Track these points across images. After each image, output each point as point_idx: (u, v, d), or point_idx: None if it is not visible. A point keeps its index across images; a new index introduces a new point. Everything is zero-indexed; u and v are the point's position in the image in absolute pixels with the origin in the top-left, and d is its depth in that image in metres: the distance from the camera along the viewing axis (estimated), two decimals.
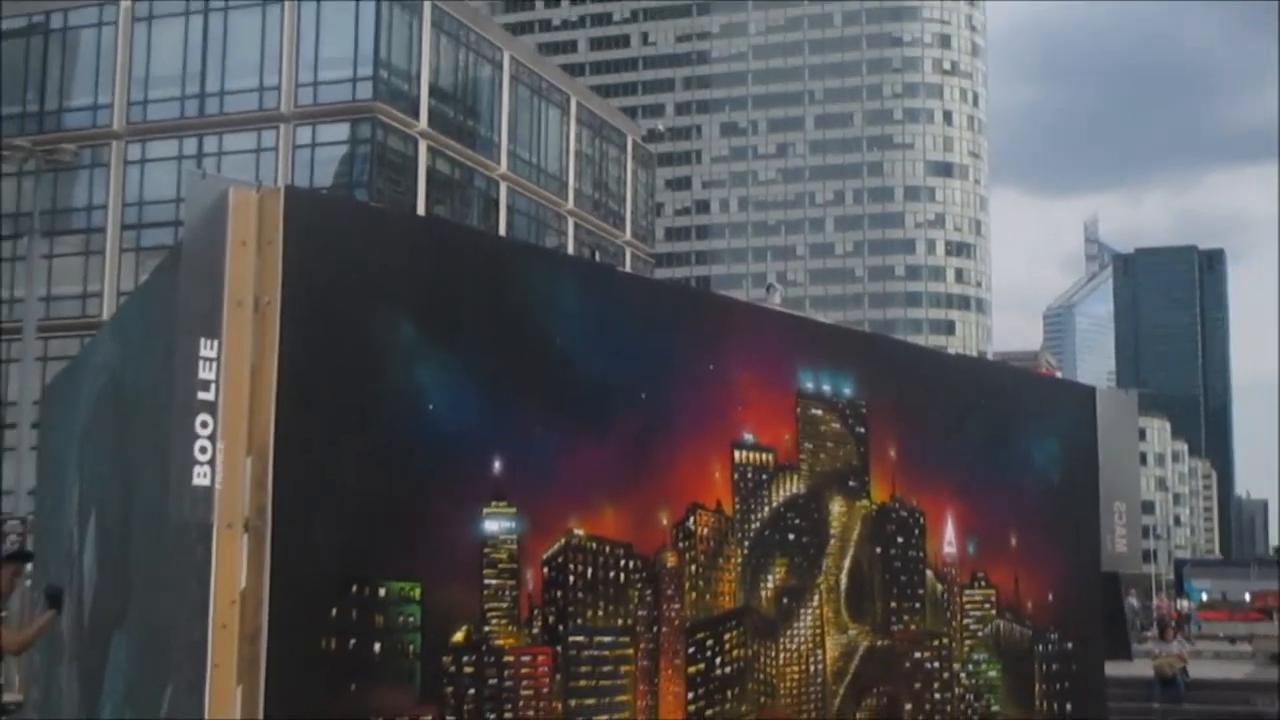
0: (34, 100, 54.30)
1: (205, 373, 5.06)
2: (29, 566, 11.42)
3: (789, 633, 6.97)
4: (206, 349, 5.07)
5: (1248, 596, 62.26)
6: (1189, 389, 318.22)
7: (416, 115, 52.06)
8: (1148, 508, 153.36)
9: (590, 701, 5.87)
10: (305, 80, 50.53)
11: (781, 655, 6.90)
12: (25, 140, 43.97)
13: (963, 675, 8.10)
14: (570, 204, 63.99)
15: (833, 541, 7.30)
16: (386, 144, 50.98)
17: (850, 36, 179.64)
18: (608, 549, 6.02)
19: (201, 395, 5.05)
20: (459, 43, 56.28)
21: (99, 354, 9.07)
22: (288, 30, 50.71)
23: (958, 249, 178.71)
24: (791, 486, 7.05)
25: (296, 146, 50.40)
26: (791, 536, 7.03)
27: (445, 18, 55.06)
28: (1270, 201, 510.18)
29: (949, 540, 8.08)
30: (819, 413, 7.27)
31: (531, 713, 5.63)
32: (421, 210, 49.22)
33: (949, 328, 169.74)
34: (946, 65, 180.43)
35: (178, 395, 5.10)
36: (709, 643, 6.48)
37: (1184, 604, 58.40)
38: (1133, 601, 58.28)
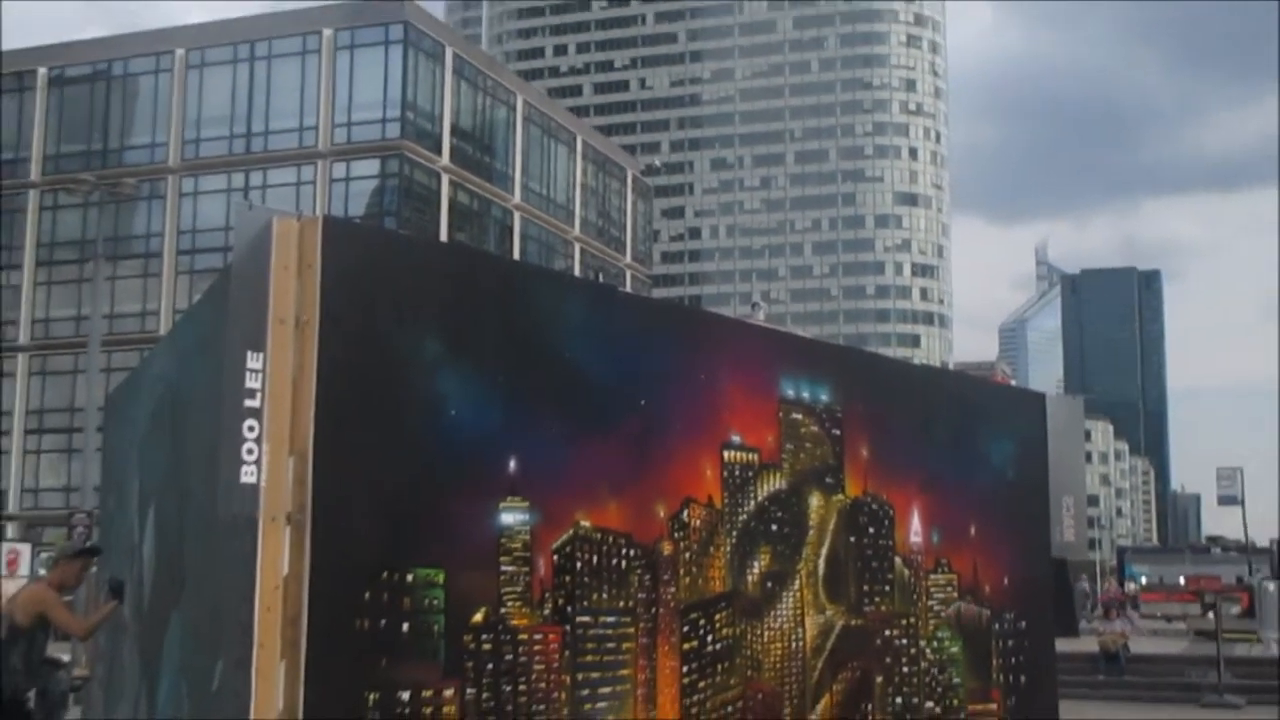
0: (98, 139, 54.36)
1: (252, 382, 5.07)
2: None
3: (772, 613, 6.97)
4: (253, 361, 5.08)
5: (1182, 580, 62.23)
6: (1129, 395, 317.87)
7: (439, 152, 52.10)
8: (1092, 501, 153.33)
9: (596, 675, 5.87)
10: (340, 121, 50.60)
11: (766, 633, 6.90)
12: (90, 175, 44.00)
13: (928, 651, 8.10)
14: (577, 231, 64.01)
15: (811, 532, 7.30)
16: (413, 178, 51.02)
17: (826, 81, 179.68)
18: (611, 539, 6.02)
19: (248, 403, 5.06)
20: (477, 87, 56.34)
21: (157, 366, 9.07)
22: (324, 77, 50.80)
23: (922, 270, 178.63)
24: (775, 483, 7.05)
25: (333, 180, 50.44)
26: (774, 527, 7.03)
27: (465, 65, 55.15)
28: (1200, 226, 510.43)
29: (915, 530, 8.08)
30: (799, 417, 7.27)
31: (543, 685, 5.63)
32: (444, 237, 49.20)
33: (915, 341, 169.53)
34: (912, 107, 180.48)
35: (227, 402, 5.11)
36: (701, 622, 6.48)
37: (1132, 586, 58.24)
38: (1084, 585, 58.17)
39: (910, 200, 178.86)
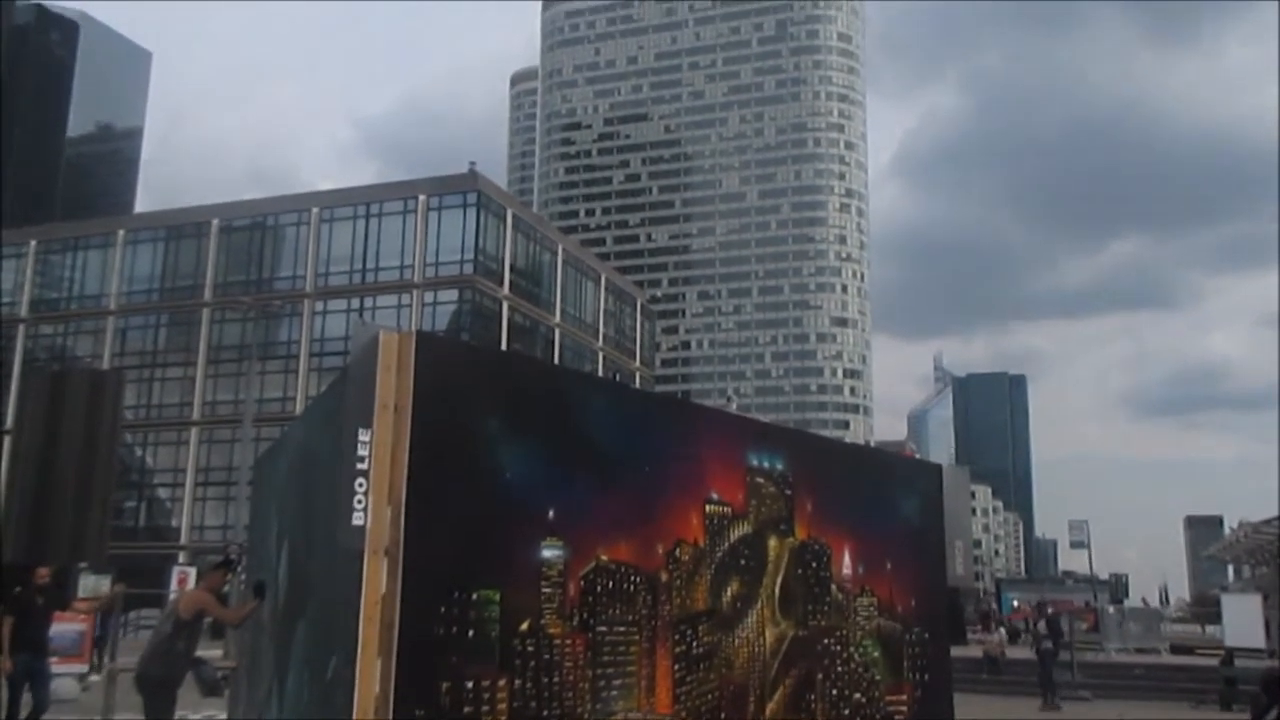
0: (254, 271, 54.90)
1: (362, 451, 5.07)
2: (241, 573, 11.31)
3: (741, 626, 6.88)
4: (363, 435, 5.08)
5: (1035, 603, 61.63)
6: (1003, 465, 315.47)
7: (501, 285, 52.47)
8: (976, 544, 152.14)
9: (610, 671, 5.79)
10: (430, 261, 51.10)
11: (736, 640, 6.81)
12: (248, 297, 44.36)
13: (856, 655, 7.98)
14: (600, 343, 64.24)
15: (770, 565, 7.24)
16: (482, 303, 51.33)
17: (780, 236, 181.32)
18: (623, 569, 5.97)
19: (359, 465, 5.05)
20: (529, 238, 56.88)
21: (293, 437, 9.06)
22: (419, 229, 51.38)
23: (850, 374, 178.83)
24: (743, 529, 7.00)
25: (424, 304, 50.80)
26: (742, 562, 6.97)
27: (520, 222, 55.75)
28: (1053, 343, 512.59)
29: (846, 565, 8.00)
30: (761, 481, 7.24)
31: (572, 678, 5.55)
32: (504, 346, 49.44)
33: (845, 425, 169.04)
34: (844, 255, 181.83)
35: (343, 464, 5.10)
36: (688, 632, 6.40)
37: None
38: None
39: (842, 323, 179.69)
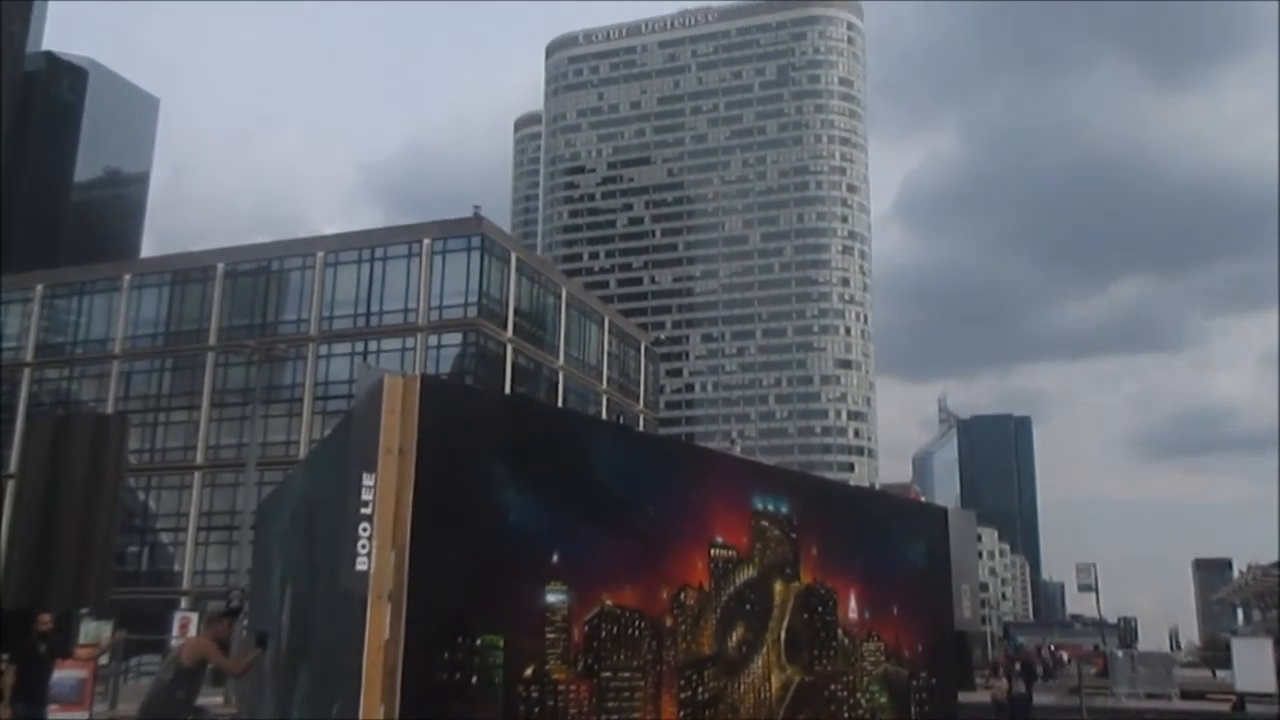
0: (259, 314, 54.96)
1: (366, 495, 5.06)
2: (243, 620, 11.24)
3: (747, 671, 6.83)
4: (367, 480, 5.08)
5: (1053, 647, 60.98)
6: (1009, 508, 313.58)
7: (506, 327, 52.53)
8: (983, 587, 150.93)
9: (615, 717, 5.74)
10: (434, 305, 51.12)
11: (742, 686, 6.76)
12: (252, 341, 44.49)
13: (863, 701, 7.91)
14: (604, 385, 64.20)
15: (775, 610, 7.20)
16: (485, 346, 51.37)
17: (783, 279, 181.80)
18: (627, 614, 5.94)
19: (363, 510, 5.05)
20: (533, 281, 57.05)
21: (296, 481, 9.05)
22: (423, 273, 51.49)
23: (855, 416, 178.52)
24: (748, 573, 6.97)
25: (428, 348, 50.80)
26: (748, 606, 6.93)
27: (524, 265, 55.92)
28: (1057, 384, 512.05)
29: (852, 609, 7.95)
30: (766, 524, 7.22)
31: None
32: (508, 390, 49.38)
33: (850, 467, 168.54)
34: (847, 297, 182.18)
35: (347, 509, 5.09)
36: (694, 677, 6.35)
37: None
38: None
39: (846, 365, 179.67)
